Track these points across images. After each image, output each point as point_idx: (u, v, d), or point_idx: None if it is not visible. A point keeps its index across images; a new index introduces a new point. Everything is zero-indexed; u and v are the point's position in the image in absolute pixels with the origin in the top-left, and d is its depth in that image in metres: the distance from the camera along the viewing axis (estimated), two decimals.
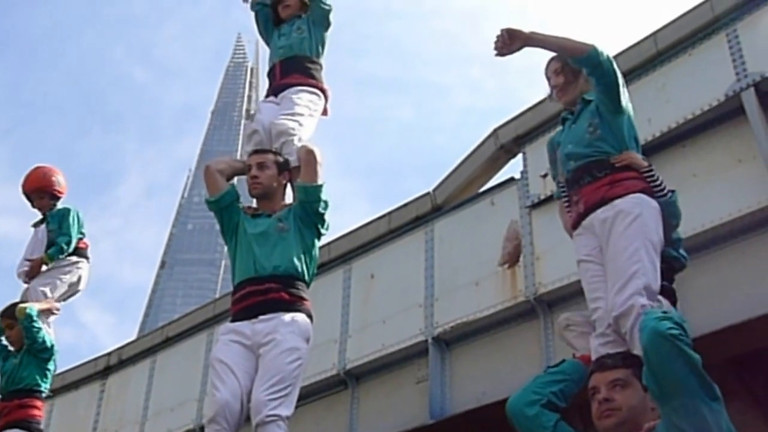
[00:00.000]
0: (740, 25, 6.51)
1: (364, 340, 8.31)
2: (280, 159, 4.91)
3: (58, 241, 6.94)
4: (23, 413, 6.42)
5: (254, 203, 4.93)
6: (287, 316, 4.40)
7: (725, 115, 6.40)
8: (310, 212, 4.71)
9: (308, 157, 4.78)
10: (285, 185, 4.91)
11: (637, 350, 3.62)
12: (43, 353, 6.54)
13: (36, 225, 7.27)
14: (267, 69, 5.87)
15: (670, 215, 4.25)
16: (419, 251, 8.26)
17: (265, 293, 4.46)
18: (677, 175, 6.16)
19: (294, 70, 5.60)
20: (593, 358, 3.95)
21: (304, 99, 5.45)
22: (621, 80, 4.36)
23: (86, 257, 7.22)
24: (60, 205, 7.23)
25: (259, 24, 6.03)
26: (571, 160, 4.41)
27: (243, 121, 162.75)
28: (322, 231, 4.80)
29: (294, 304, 4.48)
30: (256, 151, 5.00)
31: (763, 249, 5.99)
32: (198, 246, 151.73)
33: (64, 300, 7.12)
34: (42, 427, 6.59)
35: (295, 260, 4.57)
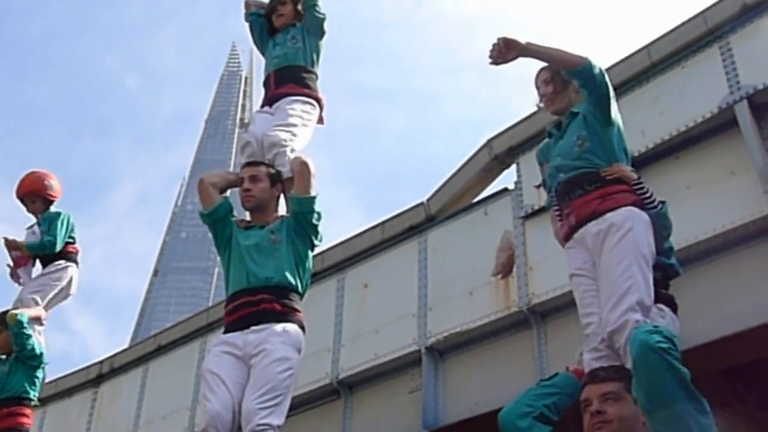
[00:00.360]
0: (733, 38, 6.54)
1: (357, 349, 8.30)
2: (273, 171, 4.93)
3: (42, 239, 6.94)
4: (12, 421, 6.39)
5: (247, 215, 4.95)
6: (279, 327, 4.40)
7: (718, 127, 6.42)
8: (303, 223, 4.72)
9: (301, 168, 4.80)
10: (278, 197, 4.93)
11: (630, 365, 3.64)
12: (32, 360, 6.51)
13: (29, 228, 7.26)
14: (262, 78, 5.89)
15: (661, 227, 4.26)
16: (413, 261, 8.26)
17: (257, 304, 4.47)
18: (670, 187, 6.18)
19: (289, 79, 5.62)
20: (586, 371, 3.96)
21: (297, 109, 5.46)
22: (612, 93, 4.39)
23: (76, 262, 7.20)
24: (54, 209, 7.23)
25: (254, 34, 6.05)
26: (561, 172, 4.43)
27: (237, 130, 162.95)
28: (316, 242, 4.81)
29: (286, 315, 4.48)
30: (248, 164, 5.01)
31: (755, 261, 6.00)
32: (191, 254, 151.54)
33: (56, 305, 7.10)
34: None
35: (288, 272, 4.58)
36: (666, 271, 4.31)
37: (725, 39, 6.58)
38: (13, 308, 6.76)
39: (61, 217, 7.10)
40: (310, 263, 4.79)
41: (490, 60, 4.38)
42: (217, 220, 4.80)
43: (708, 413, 3.27)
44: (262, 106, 5.66)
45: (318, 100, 5.65)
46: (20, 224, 7.44)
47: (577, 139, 4.38)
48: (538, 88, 4.73)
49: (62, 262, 7.07)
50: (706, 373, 4.59)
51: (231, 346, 4.44)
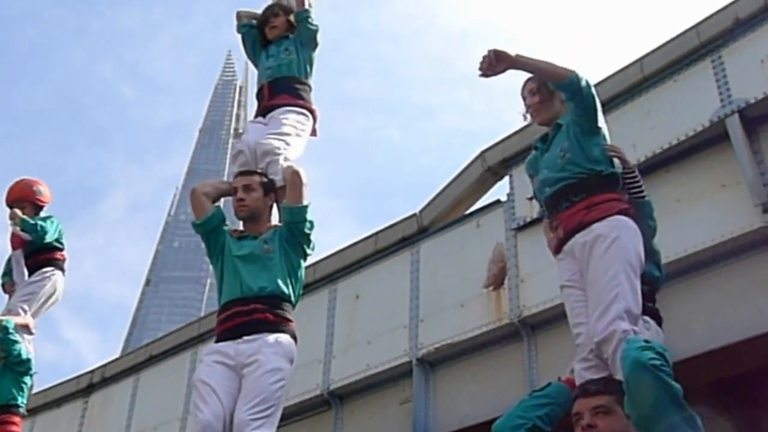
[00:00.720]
0: (725, 52, 6.57)
1: (348, 360, 8.29)
2: (266, 180, 4.93)
3: (36, 226, 6.96)
4: (1, 429, 6.37)
5: (240, 225, 4.95)
6: (271, 337, 4.40)
7: (710, 140, 6.44)
8: (295, 233, 4.73)
9: (293, 178, 4.80)
10: (271, 206, 4.93)
11: (619, 375, 3.65)
12: (19, 366, 6.50)
13: None
14: (255, 90, 5.90)
15: (646, 216, 4.30)
16: (405, 272, 8.27)
17: (250, 314, 4.47)
18: (661, 200, 6.18)
19: (282, 91, 5.63)
20: (577, 382, 3.97)
21: (291, 119, 5.47)
22: (598, 105, 4.42)
23: (62, 269, 7.20)
24: (44, 214, 7.23)
25: (247, 46, 6.07)
26: (546, 186, 4.46)
27: (231, 140, 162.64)
28: (308, 251, 4.81)
29: (278, 325, 4.48)
30: (241, 173, 5.01)
31: (746, 274, 6.01)
32: (184, 264, 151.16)
33: (44, 311, 7.09)
34: None
35: (281, 281, 4.59)
36: (652, 285, 4.33)
37: (717, 53, 6.61)
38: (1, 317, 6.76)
39: (52, 219, 7.14)
40: (302, 273, 4.80)
41: (480, 72, 4.41)
42: (210, 230, 4.80)
43: (700, 429, 3.28)
44: (256, 116, 5.67)
45: (311, 112, 5.66)
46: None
47: (560, 151, 4.42)
48: (524, 98, 4.77)
49: (49, 269, 7.08)
50: (694, 386, 4.59)
51: (223, 356, 4.43)
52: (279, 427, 4.38)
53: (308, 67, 5.82)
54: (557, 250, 4.40)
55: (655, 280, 4.39)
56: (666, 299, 6.07)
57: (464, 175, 8.35)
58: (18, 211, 7.00)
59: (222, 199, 5.10)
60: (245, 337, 4.41)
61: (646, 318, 4.11)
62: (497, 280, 7.45)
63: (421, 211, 8.55)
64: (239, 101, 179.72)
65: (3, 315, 6.87)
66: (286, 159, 5.18)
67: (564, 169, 4.36)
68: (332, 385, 8.29)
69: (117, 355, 14.45)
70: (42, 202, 7.30)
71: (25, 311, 6.85)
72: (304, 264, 4.82)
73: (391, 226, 8.73)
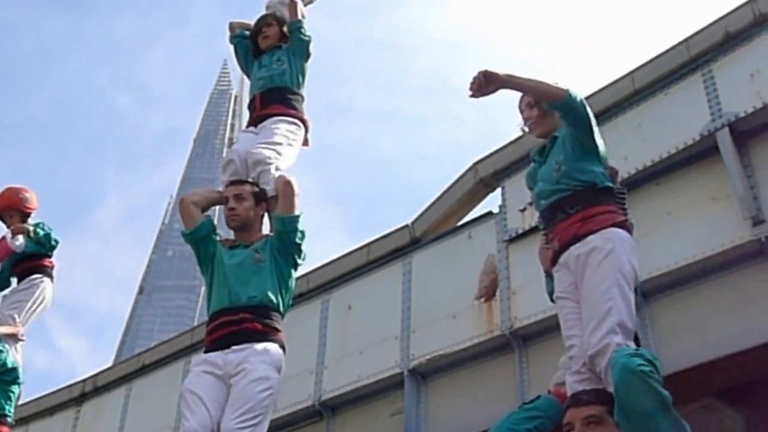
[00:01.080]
0: (715, 66, 6.62)
1: (340, 371, 8.29)
2: (257, 190, 4.93)
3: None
4: None
5: (231, 234, 4.95)
6: (259, 346, 4.39)
7: (700, 154, 6.49)
8: (287, 243, 4.73)
9: (285, 188, 4.81)
10: (262, 216, 4.93)
11: (611, 388, 3.66)
12: (5, 375, 6.46)
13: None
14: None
15: None
16: (397, 283, 8.28)
17: (239, 323, 4.46)
18: (652, 213, 6.24)
19: (274, 100, 5.63)
20: (569, 394, 3.97)
21: (282, 128, 5.47)
22: (593, 120, 4.44)
23: (51, 276, 7.18)
24: (32, 221, 7.21)
25: (239, 56, 6.09)
26: (542, 199, 4.46)
27: (225, 149, 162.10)
28: (299, 261, 4.81)
29: (267, 334, 4.47)
30: (232, 182, 5.00)
31: (735, 288, 6.04)
32: (177, 273, 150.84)
33: (33, 319, 7.07)
34: None
35: (271, 291, 4.58)
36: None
37: (708, 67, 6.66)
38: None
39: (42, 224, 7.11)
40: (293, 283, 4.79)
41: (470, 93, 4.41)
42: (200, 239, 4.79)
43: None
44: (247, 126, 5.67)
45: (303, 122, 5.66)
46: None
47: (556, 164, 4.42)
48: (522, 111, 4.76)
49: (37, 276, 7.06)
50: (684, 398, 4.61)
51: (211, 366, 4.43)
52: None
53: (300, 78, 5.83)
54: (553, 262, 4.41)
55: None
56: (656, 312, 6.12)
57: (456, 186, 8.38)
58: (28, 226, 6.99)
59: (217, 208, 5.08)
60: (234, 347, 4.40)
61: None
62: (489, 292, 7.46)
63: (413, 223, 8.57)
64: (234, 111, 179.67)
65: None
66: (277, 169, 5.17)
67: (559, 182, 4.36)
68: (324, 395, 8.29)
69: (109, 364, 14.44)
70: (29, 209, 7.25)
71: (14, 319, 6.83)
72: (294, 274, 4.81)
73: (383, 237, 8.75)
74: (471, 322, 7.47)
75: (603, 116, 6.85)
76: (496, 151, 8.00)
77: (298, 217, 4.76)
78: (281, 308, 4.63)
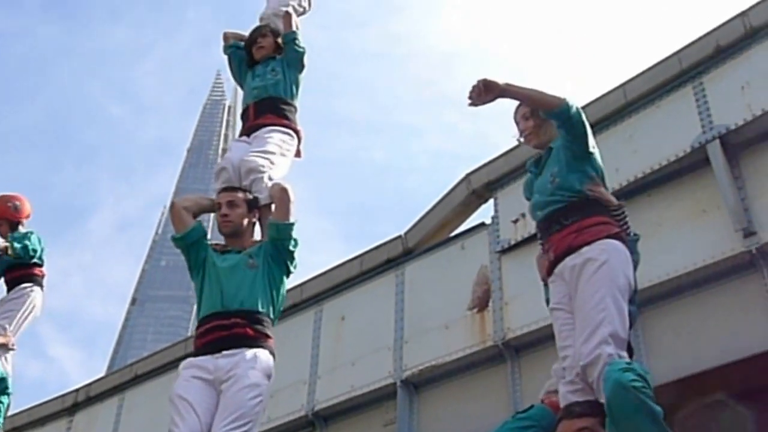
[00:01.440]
0: (706, 79, 6.67)
1: (333, 381, 8.30)
2: (250, 197, 4.95)
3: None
4: None
5: (223, 240, 4.96)
6: (250, 353, 4.40)
7: (691, 165, 6.52)
8: (280, 249, 4.75)
9: (281, 195, 4.83)
10: (254, 224, 4.95)
11: (603, 398, 3.67)
12: None
13: None
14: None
15: (632, 252, 4.32)
16: (390, 294, 8.30)
17: (229, 328, 4.47)
18: (643, 224, 6.23)
19: (268, 110, 5.65)
20: (562, 404, 3.98)
21: (275, 138, 5.48)
22: (589, 130, 4.46)
23: (41, 285, 7.15)
24: (23, 230, 7.17)
25: (233, 66, 6.11)
26: (538, 210, 4.48)
27: (219, 160, 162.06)
28: (291, 269, 4.83)
29: (258, 340, 4.48)
30: (225, 189, 5.01)
31: (726, 299, 6.07)
32: (170, 283, 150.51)
33: (24, 328, 7.05)
34: None
35: (263, 297, 4.60)
36: (630, 319, 4.35)
37: (698, 79, 6.71)
38: None
39: (31, 235, 7.05)
40: (284, 290, 4.81)
41: (469, 101, 4.43)
42: (190, 243, 4.79)
43: None
44: (240, 136, 5.69)
45: (296, 132, 5.67)
46: None
47: (550, 176, 4.44)
48: (517, 123, 4.78)
49: (28, 285, 7.03)
50: (673, 410, 4.63)
51: (201, 370, 4.43)
52: None
53: (294, 89, 5.84)
54: (549, 272, 4.42)
55: (630, 316, 4.42)
56: (647, 323, 6.13)
57: (449, 197, 8.40)
58: (5, 244, 6.92)
59: (210, 217, 5.09)
60: (224, 352, 4.40)
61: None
62: (481, 303, 7.49)
63: (406, 233, 8.59)
64: (227, 121, 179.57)
65: None
66: (270, 178, 5.19)
67: (554, 193, 4.38)
68: (317, 406, 8.29)
69: (102, 373, 14.40)
70: (18, 217, 7.15)
71: (4, 329, 6.81)
72: (286, 281, 4.83)
73: (376, 248, 8.77)
74: (464, 332, 7.49)
75: (595, 128, 6.79)
76: (489, 163, 8.03)
77: (292, 224, 4.78)
78: (272, 315, 4.64)
